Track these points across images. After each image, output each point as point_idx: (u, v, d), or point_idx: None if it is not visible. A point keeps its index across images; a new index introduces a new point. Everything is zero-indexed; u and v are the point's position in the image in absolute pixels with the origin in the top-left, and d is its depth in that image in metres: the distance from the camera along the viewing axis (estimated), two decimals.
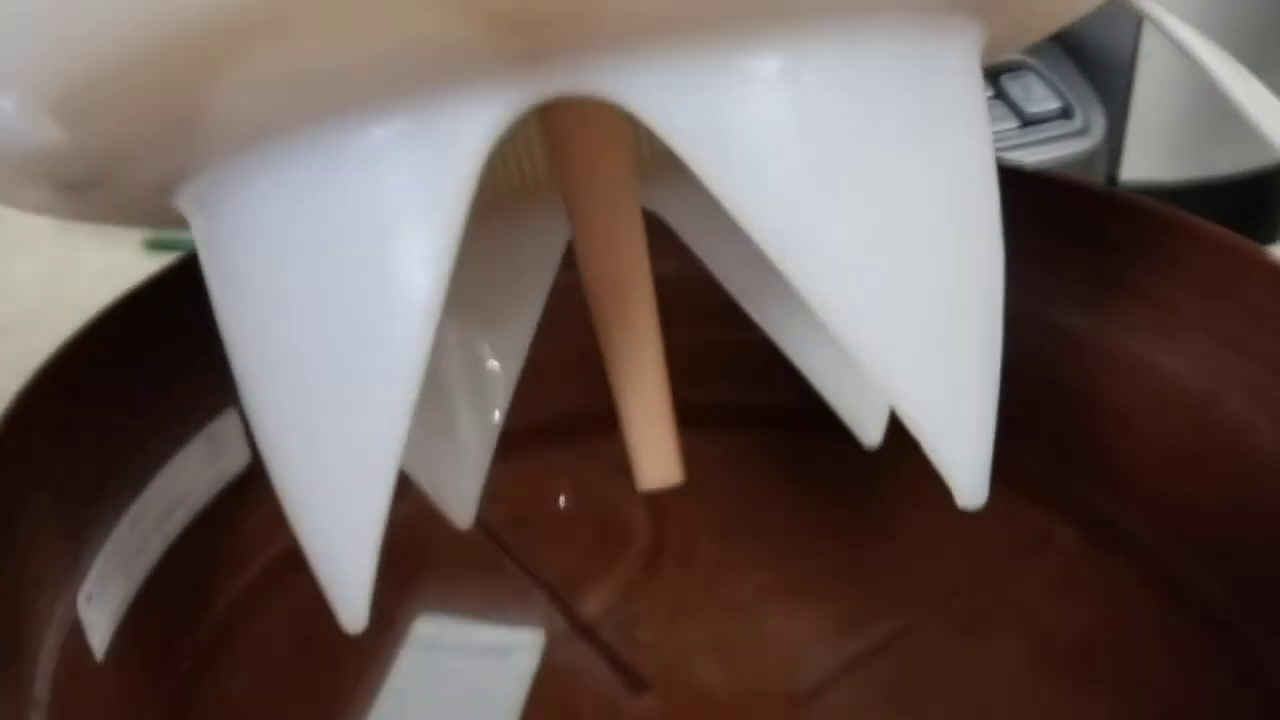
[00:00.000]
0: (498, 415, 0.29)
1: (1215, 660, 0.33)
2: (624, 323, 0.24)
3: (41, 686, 0.25)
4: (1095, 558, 0.37)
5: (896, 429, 0.31)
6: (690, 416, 0.42)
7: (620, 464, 0.41)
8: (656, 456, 0.25)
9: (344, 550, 0.20)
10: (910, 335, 0.19)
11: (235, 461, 0.34)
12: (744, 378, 0.42)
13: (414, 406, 0.18)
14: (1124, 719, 0.33)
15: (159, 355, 0.31)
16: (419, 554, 0.38)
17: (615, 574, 0.37)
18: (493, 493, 0.40)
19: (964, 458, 0.21)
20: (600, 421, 0.42)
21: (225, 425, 0.33)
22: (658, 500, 0.40)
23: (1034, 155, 0.47)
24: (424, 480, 0.27)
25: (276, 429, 0.21)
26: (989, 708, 0.33)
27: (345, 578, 0.20)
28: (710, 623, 0.36)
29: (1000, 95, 0.49)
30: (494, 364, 0.29)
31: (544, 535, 0.38)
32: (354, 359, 0.19)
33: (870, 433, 0.29)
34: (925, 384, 0.20)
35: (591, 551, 0.38)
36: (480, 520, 0.39)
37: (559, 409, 0.42)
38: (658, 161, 0.26)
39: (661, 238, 0.32)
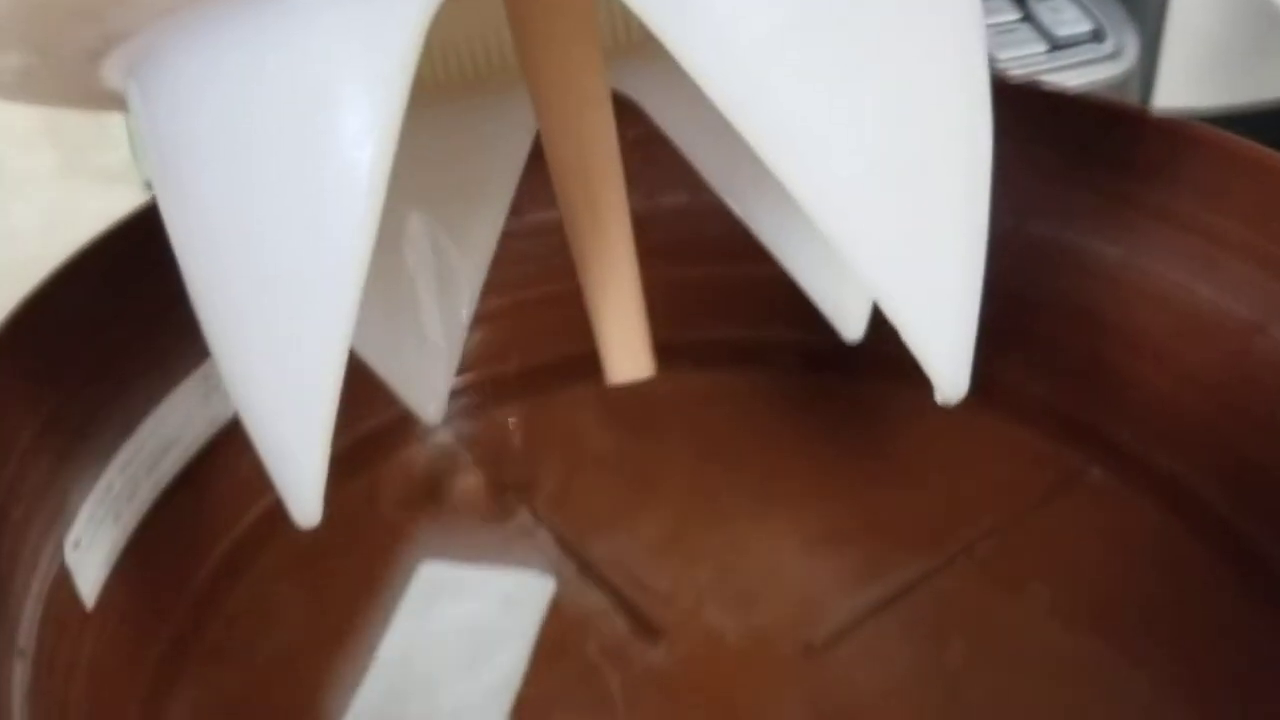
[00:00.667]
0: (465, 313, 0.28)
1: (1251, 598, 0.32)
2: (594, 213, 0.23)
3: (27, 635, 0.24)
4: (1127, 497, 0.36)
5: (910, 364, 0.31)
6: (704, 356, 0.41)
7: (630, 409, 0.40)
8: (628, 349, 0.24)
9: (295, 441, 0.19)
10: (888, 218, 0.19)
11: (229, 404, 0.32)
12: (758, 315, 0.41)
13: (361, 288, 0.17)
14: (1156, 662, 0.31)
15: (148, 291, 0.30)
16: (422, 499, 0.37)
17: (626, 519, 0.36)
18: (499, 437, 0.39)
19: (944, 347, 0.20)
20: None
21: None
22: (670, 443, 0.39)
23: (1063, 81, 0.45)
24: (393, 378, 0.27)
25: (221, 317, 0.20)
26: (1015, 655, 0.32)
27: (297, 469, 0.20)
28: (725, 569, 0.34)
29: (1028, 18, 0.47)
30: (461, 260, 0.28)
31: (552, 480, 0.37)
32: (297, 238, 0.17)
33: (852, 327, 0.29)
34: (904, 270, 0.19)
35: (602, 496, 0.37)
36: (486, 465, 0.38)
37: (565, 350, 0.40)
38: (631, 43, 0.25)
39: (671, 170, 0.30)
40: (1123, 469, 0.36)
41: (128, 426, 0.29)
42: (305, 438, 0.19)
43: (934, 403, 0.41)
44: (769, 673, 0.31)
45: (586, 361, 0.40)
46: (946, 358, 0.20)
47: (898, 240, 0.19)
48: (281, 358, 0.19)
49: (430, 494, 0.37)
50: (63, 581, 0.26)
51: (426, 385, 0.28)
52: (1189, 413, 0.35)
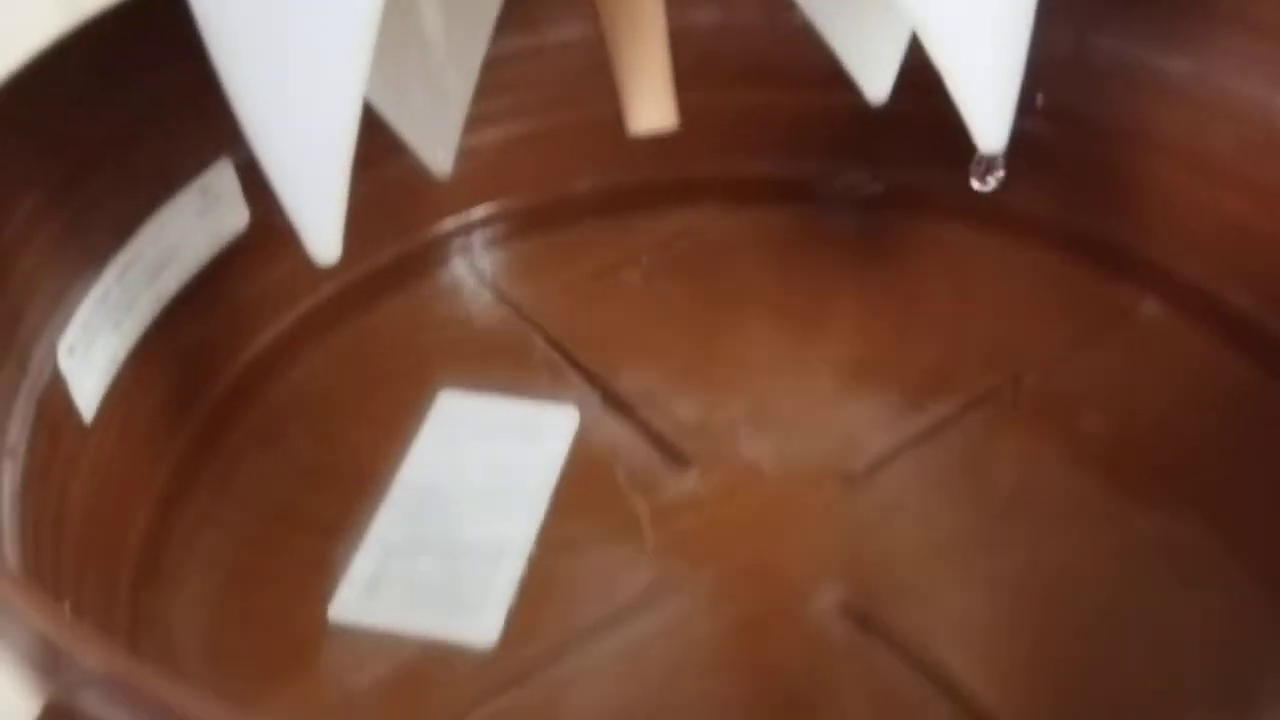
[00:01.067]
0: (476, 60, 0.27)
1: None
2: None
3: (17, 435, 0.23)
4: (1184, 331, 0.34)
5: (956, 201, 0.28)
6: (736, 193, 0.39)
7: (657, 244, 0.38)
8: (652, 98, 0.23)
9: (314, 171, 0.18)
10: None
11: (233, 220, 0.31)
12: (794, 148, 0.39)
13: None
14: (1206, 501, 0.29)
15: (145, 88, 0.28)
16: (442, 331, 0.35)
17: (655, 353, 0.34)
18: (523, 268, 0.37)
19: (989, 98, 0.20)
20: (636, 196, 0.39)
21: (220, 179, 0.30)
22: (702, 279, 0.37)
23: None
24: (405, 128, 0.26)
25: (242, 52, 0.18)
26: (1060, 487, 0.30)
27: (316, 201, 0.19)
28: (757, 401, 0.33)
29: None
30: (472, 11, 0.26)
31: (579, 313, 0.35)
32: None
33: (877, 86, 0.28)
34: (953, 19, 0.19)
35: (628, 331, 0.35)
36: (509, 297, 0.36)
37: (594, 182, 0.38)
38: None
39: None
40: (1181, 302, 0.34)
41: (123, 231, 0.27)
42: (326, 171, 0.18)
43: (982, 240, 0.39)
44: (806, 501, 0.30)
45: (615, 194, 0.39)
46: (989, 110, 0.20)
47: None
48: (302, 87, 0.18)
49: (451, 325, 0.35)
50: (56, 388, 0.25)
51: (438, 135, 0.26)
52: (1260, 241, 0.33)
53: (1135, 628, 0.27)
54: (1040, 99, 0.35)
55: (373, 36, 0.17)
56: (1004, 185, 0.35)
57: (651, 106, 0.23)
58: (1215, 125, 0.33)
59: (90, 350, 0.26)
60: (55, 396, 0.25)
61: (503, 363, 0.34)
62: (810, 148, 0.39)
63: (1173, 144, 0.34)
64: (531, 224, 0.37)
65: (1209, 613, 0.28)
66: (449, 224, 0.36)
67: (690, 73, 0.37)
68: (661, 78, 0.23)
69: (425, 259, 0.36)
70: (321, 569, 0.28)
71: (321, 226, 0.19)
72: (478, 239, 0.37)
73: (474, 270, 0.37)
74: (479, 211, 0.37)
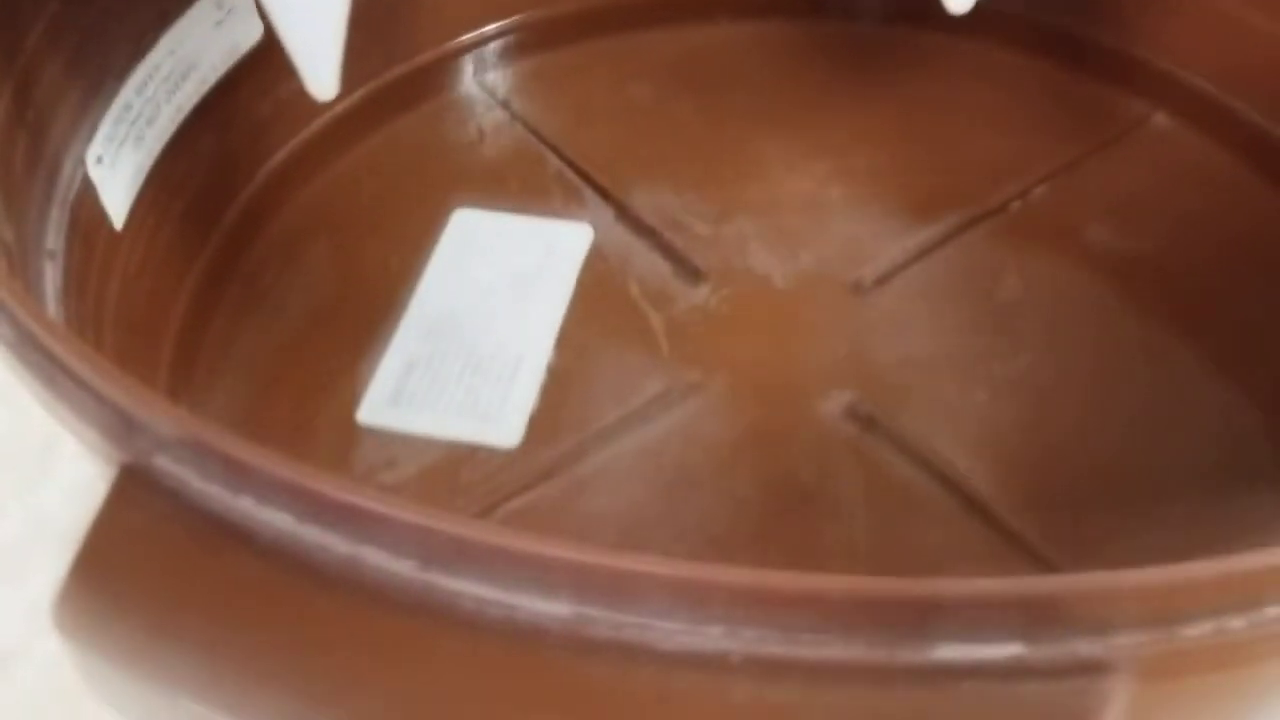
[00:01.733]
0: None
1: None
2: None
3: (55, 238, 0.23)
4: (1194, 141, 0.34)
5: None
6: (743, 6, 0.39)
7: (668, 60, 0.38)
8: None
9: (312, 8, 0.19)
10: None
11: (247, 33, 0.31)
12: None
13: None
14: (1214, 309, 0.30)
15: None
16: (454, 150, 0.35)
17: (665, 169, 0.34)
18: (534, 84, 0.37)
19: None
20: (646, 11, 0.38)
21: None
22: (710, 93, 0.37)
23: None
24: None
25: None
26: (1069, 294, 0.31)
27: (314, 38, 0.20)
28: (768, 215, 0.33)
29: None
30: None
31: (590, 129, 0.35)
32: None
33: None
34: None
35: (640, 147, 0.35)
36: (521, 112, 0.36)
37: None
38: None
39: None
40: (1192, 112, 0.34)
41: (140, 43, 0.27)
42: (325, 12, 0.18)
43: (995, 53, 0.39)
44: (816, 310, 0.31)
45: (627, 9, 0.38)
46: None
47: None
48: None
49: (464, 142, 0.35)
50: (87, 195, 0.25)
51: None
52: (1263, 44, 0.33)
53: (1127, 425, 0.28)
54: None
55: None
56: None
57: None
58: None
59: (116, 161, 0.26)
60: (87, 204, 0.25)
61: (516, 179, 0.34)
62: None
63: None
64: (543, 40, 0.37)
65: (1196, 414, 0.29)
66: (462, 40, 0.36)
67: None
68: None
69: (438, 76, 0.36)
70: (348, 376, 0.29)
71: (319, 65, 0.20)
72: (489, 55, 0.37)
73: (485, 87, 0.37)
74: (490, 27, 0.37)
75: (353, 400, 0.29)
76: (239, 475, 0.13)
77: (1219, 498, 0.28)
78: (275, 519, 0.13)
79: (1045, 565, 0.26)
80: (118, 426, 0.14)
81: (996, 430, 0.28)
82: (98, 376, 0.14)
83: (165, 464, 0.14)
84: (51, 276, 0.22)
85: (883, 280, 0.31)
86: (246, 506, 0.13)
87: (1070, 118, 0.35)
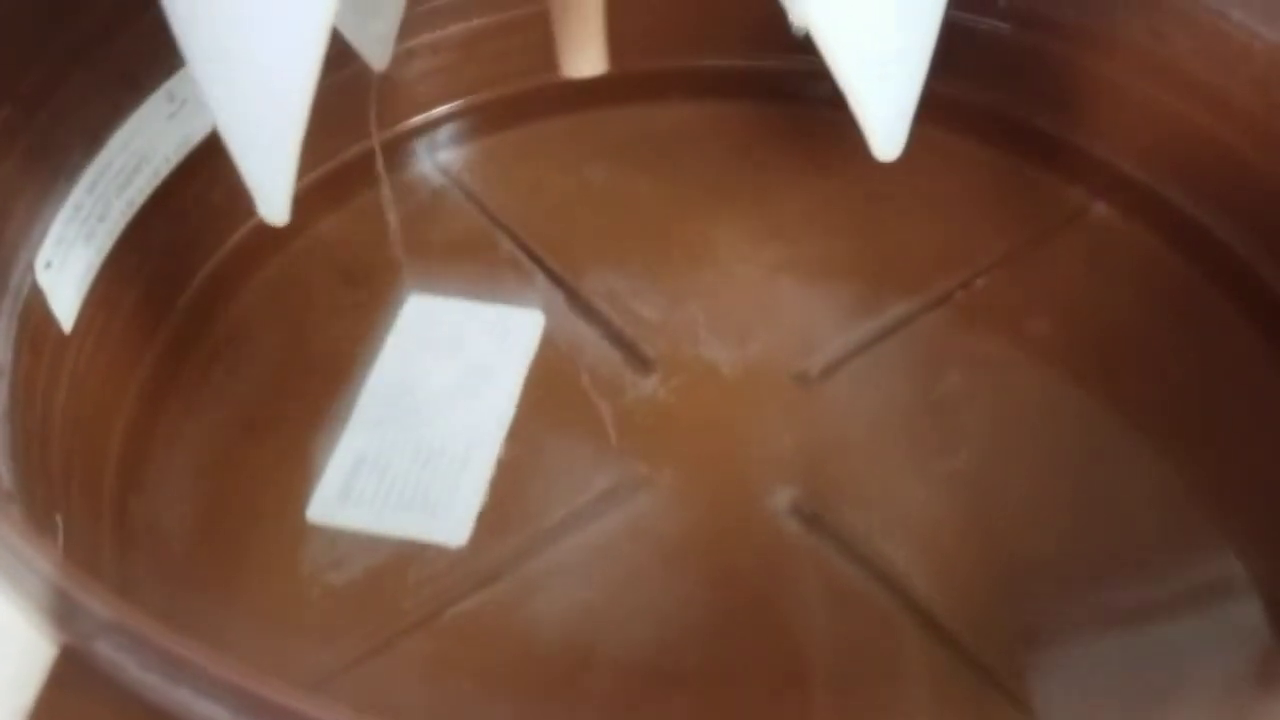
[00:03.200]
0: None
1: (1261, 340, 0.32)
2: None
3: (3, 352, 0.23)
4: (1133, 234, 0.35)
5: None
6: (694, 86, 0.39)
7: (621, 140, 0.38)
8: (585, 47, 0.24)
9: (270, 133, 0.19)
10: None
11: (200, 124, 0.31)
12: (751, 42, 0.39)
13: None
14: (1153, 397, 0.31)
15: None
16: (408, 231, 0.35)
17: (616, 253, 0.35)
18: (486, 168, 0.38)
19: (882, 110, 0.22)
20: (601, 90, 0.39)
21: (186, 82, 0.30)
22: (661, 175, 0.37)
23: None
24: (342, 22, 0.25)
25: (199, 13, 0.18)
26: (1010, 389, 0.32)
27: (269, 169, 0.20)
28: (718, 301, 0.34)
29: None
30: None
31: (541, 212, 0.36)
32: None
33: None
34: (851, 32, 0.20)
35: (592, 229, 0.36)
36: (473, 196, 0.36)
37: (555, 77, 0.38)
38: None
39: None
40: (1129, 204, 0.35)
41: (93, 139, 0.27)
42: (281, 128, 0.19)
43: (941, 138, 0.39)
44: (763, 402, 0.31)
45: (580, 89, 0.38)
46: (881, 122, 0.22)
47: (867, 26, 0.20)
48: (261, 48, 0.18)
49: (418, 224, 0.35)
50: (36, 302, 0.25)
51: (376, 28, 0.26)
52: (1209, 146, 0.34)
53: (1066, 516, 0.29)
54: None
55: (328, 17, 0.17)
56: (965, 84, 0.36)
57: (583, 55, 0.24)
58: (1171, 31, 0.33)
59: (66, 262, 0.26)
60: (35, 310, 0.25)
61: (470, 262, 0.35)
62: (774, 43, 0.39)
63: (1129, 48, 0.34)
64: (496, 120, 0.38)
65: (1136, 502, 0.30)
66: (414, 121, 0.36)
67: None
68: (594, 26, 0.23)
69: (390, 157, 0.36)
70: (298, 468, 0.29)
71: (273, 193, 0.20)
72: (442, 136, 0.37)
73: (439, 167, 0.37)
74: (443, 109, 0.37)
75: (301, 494, 0.29)
76: (176, 667, 0.14)
77: (1161, 583, 0.28)
78: (212, 712, 0.13)
79: (982, 669, 0.26)
80: (59, 609, 0.14)
81: (936, 526, 0.29)
82: (42, 559, 0.14)
83: (105, 649, 0.14)
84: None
85: (828, 372, 0.32)
86: (184, 697, 0.14)
87: (1013, 205, 0.36)
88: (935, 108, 0.35)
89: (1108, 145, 0.36)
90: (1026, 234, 0.35)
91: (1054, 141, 0.36)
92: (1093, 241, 0.35)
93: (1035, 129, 0.37)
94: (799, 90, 0.39)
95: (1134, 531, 0.29)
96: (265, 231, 0.33)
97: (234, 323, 0.32)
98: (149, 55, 0.29)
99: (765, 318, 0.33)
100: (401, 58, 0.36)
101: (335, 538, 0.28)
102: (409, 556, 0.28)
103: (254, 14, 0.18)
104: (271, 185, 0.21)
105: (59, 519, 0.23)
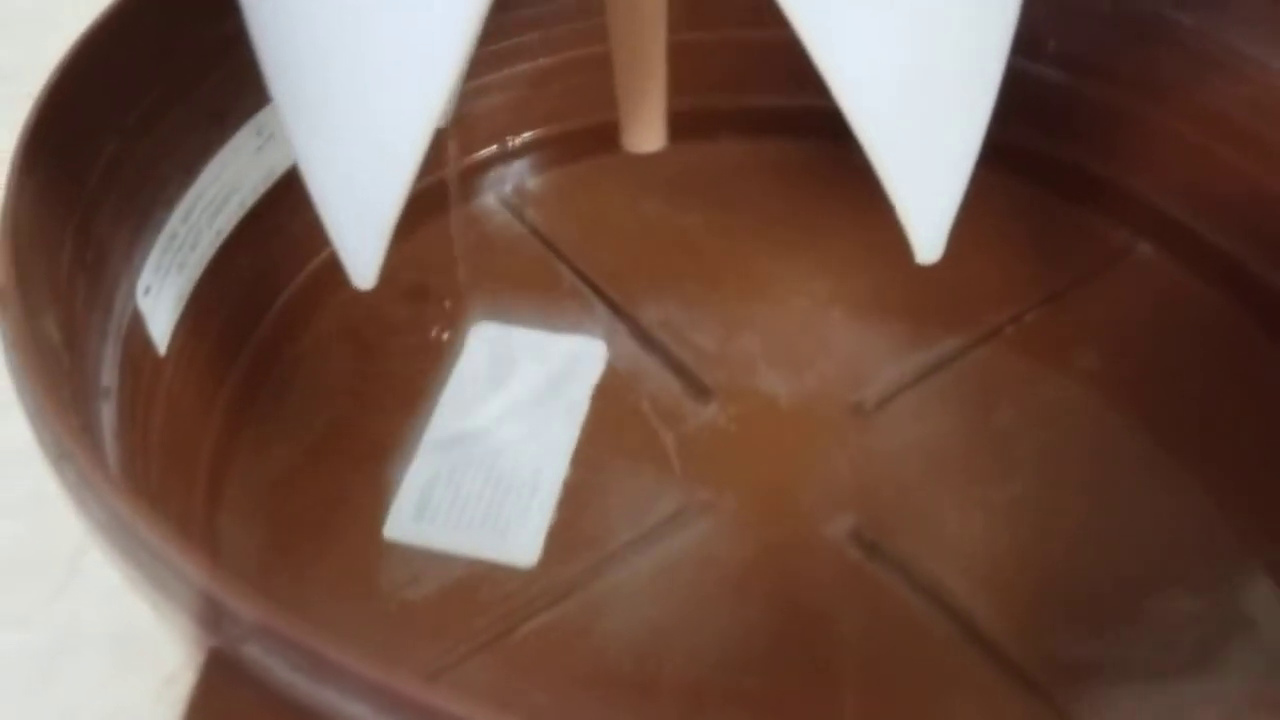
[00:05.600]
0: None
1: None
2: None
3: (109, 376, 0.24)
4: (1176, 273, 0.36)
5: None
6: (747, 125, 0.40)
7: (675, 176, 0.39)
8: (646, 125, 0.25)
9: (364, 214, 0.21)
10: (904, 114, 0.20)
11: (284, 156, 0.32)
12: (800, 81, 0.40)
13: (457, 71, 0.18)
14: (1196, 429, 0.32)
15: (197, 34, 0.29)
16: (474, 262, 0.37)
17: (677, 286, 0.36)
18: (549, 201, 0.39)
19: (927, 219, 0.23)
20: None
21: (272, 117, 0.31)
22: (718, 211, 0.38)
23: None
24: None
25: (307, 93, 0.20)
26: (1060, 422, 0.33)
27: (363, 237, 0.21)
28: (773, 333, 0.35)
29: None
30: None
31: (604, 245, 0.37)
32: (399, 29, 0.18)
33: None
34: (899, 140, 0.21)
35: (650, 262, 0.37)
36: (536, 229, 0.38)
37: (614, 115, 0.39)
38: None
39: None
40: (1174, 244, 0.36)
41: (187, 171, 0.29)
42: (376, 216, 0.20)
43: (991, 178, 0.40)
44: (819, 432, 0.32)
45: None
46: (927, 229, 0.23)
47: (898, 113, 0.21)
48: (368, 133, 0.19)
49: (484, 254, 0.37)
50: (136, 327, 0.26)
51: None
52: (1254, 189, 0.35)
53: (1120, 548, 0.30)
54: (1052, 44, 0.37)
55: (448, 88, 0.18)
56: (1016, 128, 0.37)
57: (644, 133, 0.25)
58: (1217, 78, 0.34)
59: (162, 288, 0.28)
60: (136, 334, 0.26)
61: (533, 292, 0.36)
62: (819, 83, 0.40)
63: (1175, 94, 0.35)
64: (558, 155, 0.39)
65: (1186, 533, 0.30)
66: (481, 154, 0.38)
67: (707, 9, 0.39)
68: (656, 106, 0.25)
69: (459, 189, 0.37)
70: (372, 488, 0.30)
71: (364, 262, 0.21)
72: (508, 169, 0.38)
73: (503, 200, 0.38)
74: (509, 143, 0.38)
75: (376, 513, 0.30)
76: (321, 668, 0.15)
77: (1214, 613, 0.29)
78: (358, 711, 0.14)
79: (1042, 694, 0.27)
80: (208, 614, 0.15)
81: (993, 555, 0.30)
82: (191, 565, 0.15)
83: (254, 651, 0.15)
84: (108, 415, 0.24)
85: (883, 403, 0.33)
86: (330, 697, 0.15)
87: (1060, 245, 0.37)
88: (985, 150, 0.37)
89: (1151, 187, 0.37)
90: (1073, 272, 0.36)
91: (1100, 183, 0.37)
92: (1137, 279, 0.36)
93: (1082, 171, 0.38)
94: (846, 129, 0.40)
95: (1181, 557, 0.30)
96: (337, 260, 0.35)
97: (310, 347, 0.33)
98: (238, 92, 0.30)
99: (820, 349, 0.34)
100: (471, 94, 0.37)
101: (411, 555, 0.29)
102: (481, 576, 0.29)
103: (366, 99, 0.19)
104: (364, 256, 0.21)
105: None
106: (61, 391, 0.19)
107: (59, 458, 0.17)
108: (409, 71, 0.18)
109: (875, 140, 0.20)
